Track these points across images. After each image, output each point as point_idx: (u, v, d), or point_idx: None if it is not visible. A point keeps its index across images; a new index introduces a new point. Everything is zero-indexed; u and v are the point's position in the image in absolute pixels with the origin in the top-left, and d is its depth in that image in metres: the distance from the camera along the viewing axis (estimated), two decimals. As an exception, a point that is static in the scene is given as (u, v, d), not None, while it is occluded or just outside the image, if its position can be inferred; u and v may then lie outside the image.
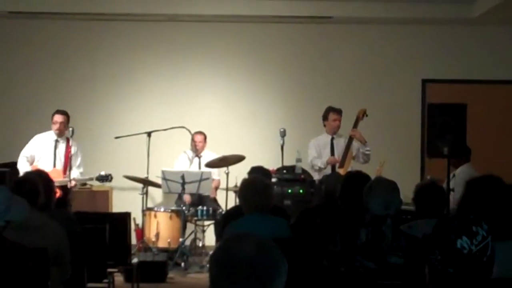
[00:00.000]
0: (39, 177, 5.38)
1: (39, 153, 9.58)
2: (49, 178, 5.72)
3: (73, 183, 9.41)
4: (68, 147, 9.59)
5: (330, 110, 9.97)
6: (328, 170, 9.62)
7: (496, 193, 3.98)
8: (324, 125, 9.99)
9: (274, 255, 2.31)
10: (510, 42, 11.63)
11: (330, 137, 9.95)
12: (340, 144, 9.87)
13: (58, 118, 9.58)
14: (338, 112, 9.92)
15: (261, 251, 2.30)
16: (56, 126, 9.55)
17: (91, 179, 9.74)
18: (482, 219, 3.74)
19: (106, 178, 9.63)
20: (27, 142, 9.69)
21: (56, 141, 9.60)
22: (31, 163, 9.52)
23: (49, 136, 9.65)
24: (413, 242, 4.52)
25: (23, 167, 9.37)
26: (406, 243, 4.52)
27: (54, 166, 9.48)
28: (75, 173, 9.54)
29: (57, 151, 9.60)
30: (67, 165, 9.50)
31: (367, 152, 9.73)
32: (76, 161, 9.64)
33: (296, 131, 10.61)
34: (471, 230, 2.60)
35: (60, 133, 9.58)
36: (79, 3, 10.92)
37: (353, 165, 9.59)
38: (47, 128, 9.74)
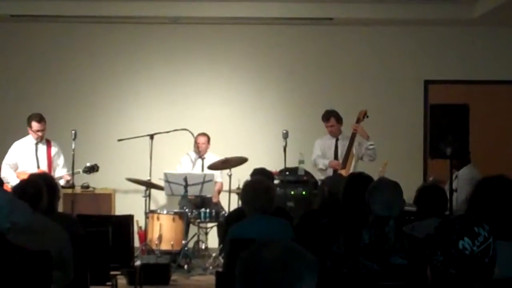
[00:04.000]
0: (43, 180, 5.38)
1: (21, 159, 9.63)
2: (53, 181, 5.73)
3: (68, 178, 9.46)
4: (49, 147, 9.62)
5: (323, 116, 9.95)
6: (330, 171, 9.62)
7: (506, 194, 4.04)
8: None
9: (296, 267, 2.29)
10: (511, 43, 11.62)
11: (335, 138, 9.95)
12: (345, 145, 9.83)
13: (39, 126, 9.58)
14: (327, 119, 9.87)
15: (282, 263, 2.28)
16: (39, 134, 9.57)
17: (78, 172, 9.68)
18: (490, 219, 3.76)
19: (93, 168, 9.67)
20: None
21: (36, 144, 9.64)
22: (15, 170, 9.56)
23: (29, 140, 9.71)
24: (416, 243, 4.51)
25: (7, 175, 9.40)
26: (409, 244, 4.51)
27: (38, 168, 9.50)
28: (61, 173, 9.59)
29: (38, 153, 9.63)
30: (51, 165, 9.54)
31: (371, 147, 9.64)
32: (59, 162, 9.68)
33: (298, 132, 10.61)
34: (473, 231, 2.60)
35: (42, 139, 9.62)
36: (80, 6, 10.92)
37: (359, 165, 9.58)
38: (49, 131, 9.75)
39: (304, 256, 2.31)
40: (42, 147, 9.67)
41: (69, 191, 9.69)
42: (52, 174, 9.38)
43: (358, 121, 9.78)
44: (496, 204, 3.99)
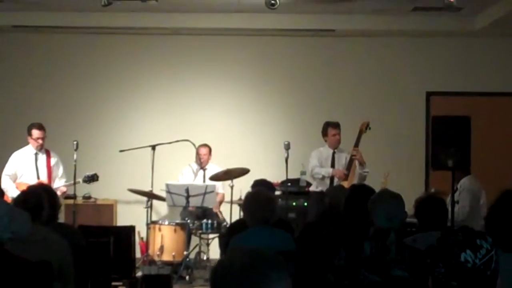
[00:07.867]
0: (44, 191, 5.38)
1: (21, 169, 9.60)
2: (54, 192, 5.72)
3: (63, 190, 9.45)
4: (48, 157, 9.61)
5: (328, 125, 9.96)
6: (328, 181, 9.61)
7: None
8: (325, 141, 9.97)
9: (261, 272, 2.30)
10: (513, 54, 11.64)
11: (331, 150, 9.94)
12: (341, 159, 9.86)
13: (40, 134, 9.56)
14: (336, 126, 9.91)
15: (248, 266, 2.29)
16: (39, 142, 9.55)
17: (78, 182, 9.66)
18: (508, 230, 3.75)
19: (92, 178, 9.65)
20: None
21: (36, 154, 9.62)
22: (14, 180, 9.53)
23: (28, 150, 9.67)
24: (417, 255, 4.50)
25: (7, 186, 9.41)
26: (410, 256, 4.50)
27: (38, 178, 9.48)
28: (60, 183, 9.57)
29: (38, 163, 9.61)
30: (51, 176, 9.53)
31: (365, 174, 9.66)
32: (58, 172, 9.66)
33: (300, 144, 10.60)
34: (475, 243, 2.59)
35: (42, 148, 9.59)
36: (82, 17, 10.94)
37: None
38: (50, 141, 9.75)
39: (271, 258, 2.31)
40: (42, 157, 9.64)
41: (71, 201, 9.69)
42: (52, 184, 9.38)
43: (360, 134, 9.76)
44: None
